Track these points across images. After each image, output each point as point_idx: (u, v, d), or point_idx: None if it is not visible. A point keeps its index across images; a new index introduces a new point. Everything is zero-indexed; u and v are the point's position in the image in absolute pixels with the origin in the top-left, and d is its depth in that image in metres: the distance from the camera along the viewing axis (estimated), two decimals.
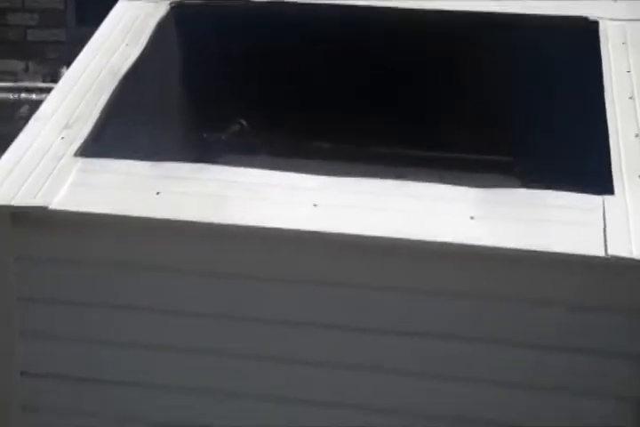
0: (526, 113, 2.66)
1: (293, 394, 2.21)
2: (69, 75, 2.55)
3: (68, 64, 2.61)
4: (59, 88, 2.51)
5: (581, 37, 2.56)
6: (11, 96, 4.93)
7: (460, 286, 2.09)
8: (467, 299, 2.09)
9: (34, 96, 4.85)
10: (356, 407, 2.19)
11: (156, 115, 2.73)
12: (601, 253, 1.97)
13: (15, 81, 4.96)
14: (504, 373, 2.11)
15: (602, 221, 2.04)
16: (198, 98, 2.84)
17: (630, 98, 2.33)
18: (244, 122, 2.89)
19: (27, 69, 5.02)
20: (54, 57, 4.93)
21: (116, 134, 2.42)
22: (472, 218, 2.08)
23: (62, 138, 2.33)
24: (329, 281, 2.14)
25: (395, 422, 2.18)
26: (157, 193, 2.17)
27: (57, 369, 2.31)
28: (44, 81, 4.93)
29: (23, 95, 4.94)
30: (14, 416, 2.34)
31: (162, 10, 2.74)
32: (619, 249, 1.97)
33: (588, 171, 2.24)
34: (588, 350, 2.07)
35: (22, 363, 2.30)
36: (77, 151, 2.28)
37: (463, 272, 2.08)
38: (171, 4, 2.76)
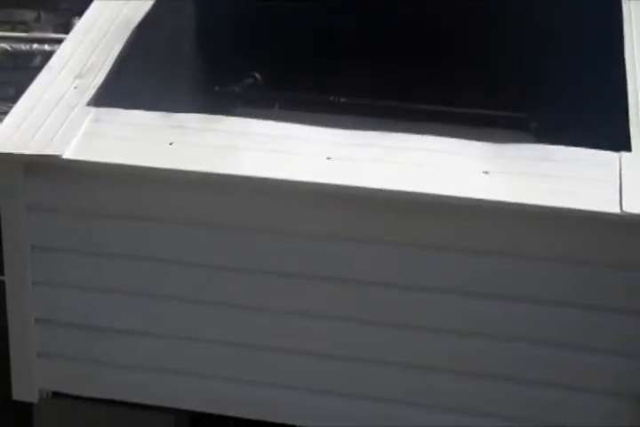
0: (542, 67, 2.62)
1: (324, 349, 2.23)
2: (81, 25, 2.53)
3: (80, 15, 2.58)
4: (71, 38, 2.49)
5: None
6: (23, 46, 4.89)
7: (472, 242, 2.08)
8: (480, 254, 2.09)
9: (46, 47, 4.81)
10: (379, 363, 2.21)
11: (168, 66, 2.70)
12: (616, 210, 1.96)
13: (27, 31, 4.93)
14: (510, 328, 2.12)
15: (618, 178, 2.02)
16: (211, 50, 2.80)
17: None
18: (257, 75, 2.86)
19: (39, 20, 4.97)
20: (66, 7, 4.88)
21: (128, 85, 2.40)
22: (486, 173, 2.06)
23: (75, 88, 2.32)
24: (342, 235, 2.14)
25: (421, 377, 2.21)
26: (170, 144, 2.17)
27: (70, 317, 2.33)
28: (55, 32, 4.89)
29: (35, 46, 4.90)
30: (30, 362, 2.37)
31: None
32: (634, 206, 1.96)
33: (605, 127, 2.21)
34: (602, 308, 2.07)
35: (36, 310, 2.32)
36: (90, 101, 2.27)
37: (476, 227, 2.07)
38: None
